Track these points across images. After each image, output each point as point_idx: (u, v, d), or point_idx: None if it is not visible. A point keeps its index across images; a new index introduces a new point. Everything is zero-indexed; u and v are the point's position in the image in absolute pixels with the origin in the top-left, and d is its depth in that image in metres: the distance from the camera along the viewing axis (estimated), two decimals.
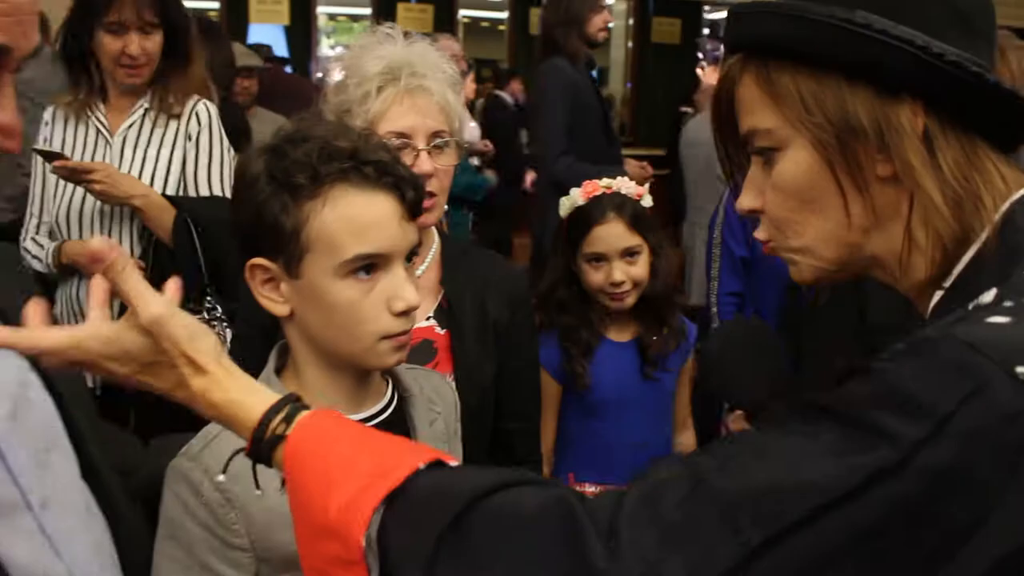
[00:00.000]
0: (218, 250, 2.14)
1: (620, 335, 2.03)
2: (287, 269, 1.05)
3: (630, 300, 1.97)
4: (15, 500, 0.91)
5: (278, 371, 1.14)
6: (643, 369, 2.01)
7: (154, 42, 2.13)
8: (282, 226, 1.03)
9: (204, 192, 2.23)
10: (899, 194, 0.78)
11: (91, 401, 1.25)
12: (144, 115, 2.20)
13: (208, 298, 2.16)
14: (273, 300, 1.08)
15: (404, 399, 1.20)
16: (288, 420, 0.82)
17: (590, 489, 1.95)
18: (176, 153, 2.21)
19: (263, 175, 1.04)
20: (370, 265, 1.05)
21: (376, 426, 1.13)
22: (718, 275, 2.49)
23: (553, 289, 2.03)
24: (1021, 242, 0.72)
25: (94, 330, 0.85)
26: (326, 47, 8.90)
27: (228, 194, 2.25)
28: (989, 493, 0.61)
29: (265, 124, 3.76)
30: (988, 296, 0.71)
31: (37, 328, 0.84)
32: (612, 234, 1.94)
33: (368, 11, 8.49)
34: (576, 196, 1.99)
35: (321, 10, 8.63)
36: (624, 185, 1.97)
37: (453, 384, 1.40)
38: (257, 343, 1.33)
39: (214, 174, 2.24)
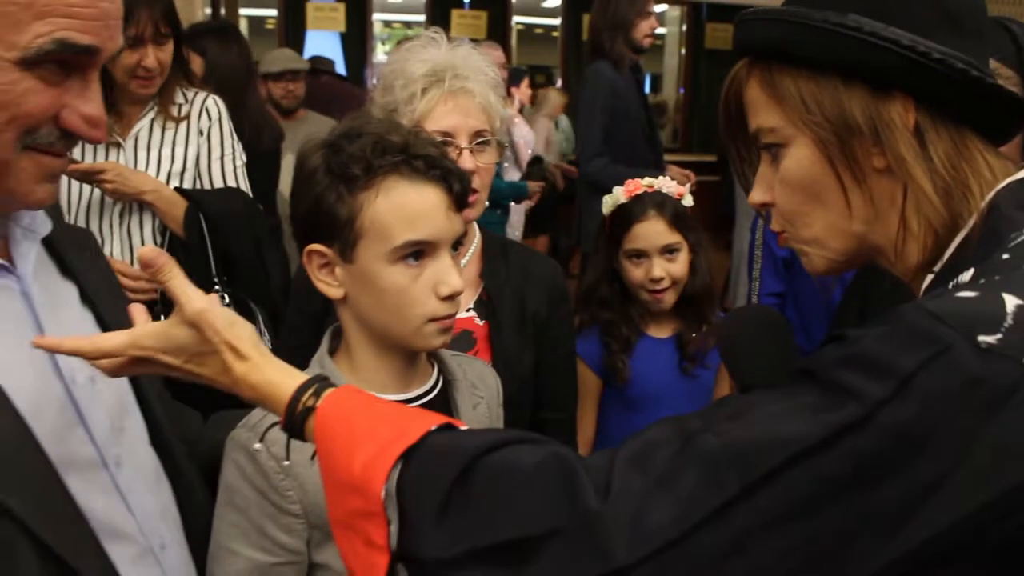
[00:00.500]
0: (226, 239, 2.18)
1: (660, 331, 2.07)
2: (342, 254, 1.12)
3: (669, 299, 2.01)
4: (93, 458, 1.00)
5: (332, 352, 1.21)
6: (682, 365, 2.04)
7: (167, 52, 2.14)
8: (338, 214, 1.10)
9: (219, 185, 2.27)
10: (894, 185, 0.83)
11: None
12: (153, 120, 2.22)
13: (216, 286, 2.21)
14: (328, 284, 1.15)
15: (449, 383, 1.26)
16: (317, 395, 0.89)
17: None
18: (190, 149, 2.24)
19: (321, 168, 1.12)
20: (419, 252, 1.11)
21: (421, 407, 1.19)
22: (759, 275, 2.51)
23: (595, 286, 2.08)
24: (1004, 227, 0.76)
25: (146, 329, 0.95)
26: (381, 54, 9.02)
27: (241, 185, 2.31)
28: (950, 454, 0.64)
29: (315, 125, 3.91)
30: (966, 275, 0.75)
31: (96, 336, 0.95)
32: (652, 231, 1.98)
33: (423, 18, 8.61)
34: (619, 194, 2.03)
35: (376, 17, 8.77)
36: (665, 184, 2.02)
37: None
38: (308, 332, 1.41)
39: (227, 167, 2.28)
